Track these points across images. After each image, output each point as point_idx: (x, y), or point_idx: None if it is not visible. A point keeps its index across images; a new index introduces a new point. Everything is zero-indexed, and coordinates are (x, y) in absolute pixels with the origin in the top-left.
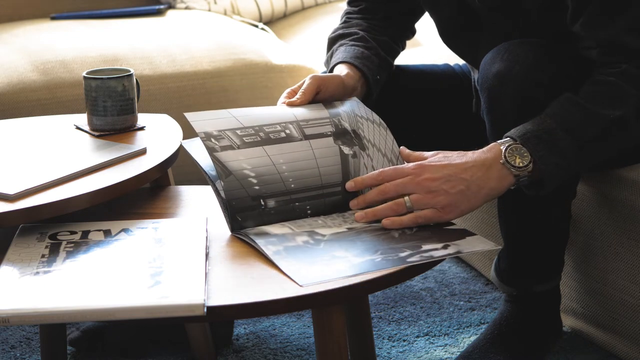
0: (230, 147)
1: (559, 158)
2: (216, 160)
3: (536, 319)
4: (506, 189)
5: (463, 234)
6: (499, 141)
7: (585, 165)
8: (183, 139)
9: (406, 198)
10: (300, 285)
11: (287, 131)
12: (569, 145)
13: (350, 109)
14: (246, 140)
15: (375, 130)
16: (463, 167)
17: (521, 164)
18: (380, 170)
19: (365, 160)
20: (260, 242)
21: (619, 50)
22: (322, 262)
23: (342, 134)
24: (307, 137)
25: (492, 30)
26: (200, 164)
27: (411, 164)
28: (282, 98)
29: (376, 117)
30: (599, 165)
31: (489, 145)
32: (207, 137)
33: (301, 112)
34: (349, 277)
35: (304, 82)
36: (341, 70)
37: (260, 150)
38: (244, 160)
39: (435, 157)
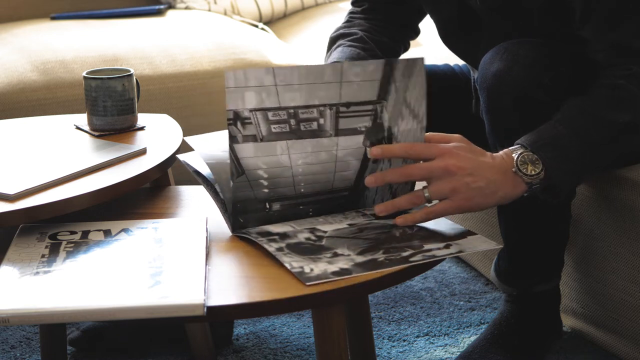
0: (253, 138)
1: (571, 164)
2: (233, 154)
3: (536, 319)
4: (520, 195)
5: (464, 233)
6: (511, 148)
7: (597, 169)
8: (182, 142)
9: (425, 190)
10: (305, 285)
11: (321, 121)
12: (580, 151)
13: (405, 87)
14: (273, 130)
15: (411, 131)
16: (487, 166)
17: (533, 172)
18: (412, 144)
19: (383, 166)
20: (262, 240)
21: (627, 53)
22: (325, 259)
23: (375, 133)
24: (337, 133)
25: (492, 31)
26: (197, 169)
27: (441, 145)
28: None
29: (422, 111)
30: (610, 167)
31: (504, 151)
32: (234, 119)
33: (350, 87)
34: (353, 277)
35: None
36: None
37: (283, 145)
38: (261, 158)
39: (460, 145)
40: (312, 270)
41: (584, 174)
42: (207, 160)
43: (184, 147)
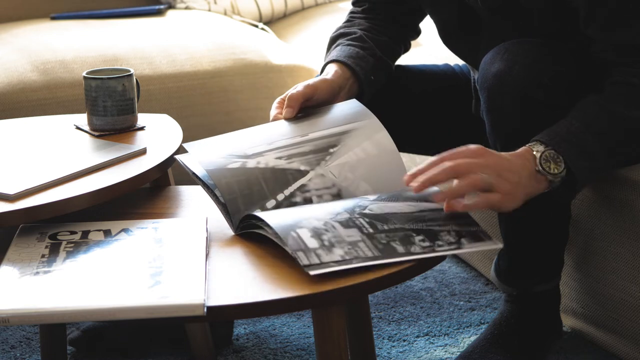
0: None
1: (588, 161)
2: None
3: (536, 318)
4: (541, 192)
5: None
6: (530, 146)
7: (613, 166)
8: (183, 141)
9: (485, 176)
10: (303, 267)
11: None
12: (597, 148)
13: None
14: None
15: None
16: (514, 163)
17: (556, 171)
18: (439, 156)
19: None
20: (262, 215)
21: (634, 52)
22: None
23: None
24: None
25: (493, 31)
26: (197, 174)
27: (471, 146)
28: (274, 109)
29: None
30: (624, 165)
31: (521, 151)
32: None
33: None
34: (352, 276)
35: (294, 88)
36: (331, 68)
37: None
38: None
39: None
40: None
41: (601, 171)
42: (207, 167)
43: (183, 149)
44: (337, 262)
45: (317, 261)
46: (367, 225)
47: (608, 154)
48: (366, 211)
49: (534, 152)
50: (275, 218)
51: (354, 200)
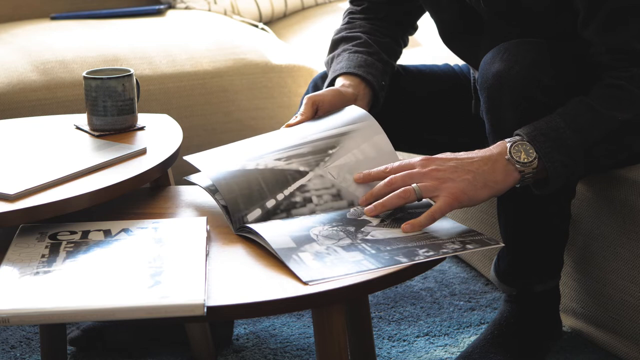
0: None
1: (565, 157)
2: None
3: (536, 318)
4: (512, 184)
5: (468, 232)
6: (506, 139)
7: (593, 166)
8: (182, 141)
9: (414, 185)
10: (305, 283)
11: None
12: (576, 145)
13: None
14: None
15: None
16: (469, 161)
17: (526, 160)
18: (387, 165)
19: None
20: (263, 233)
21: (629, 55)
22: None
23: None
24: None
25: (494, 32)
26: (202, 185)
27: (417, 158)
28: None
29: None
30: (606, 167)
31: (496, 143)
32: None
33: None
34: (352, 275)
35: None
36: (342, 81)
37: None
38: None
39: (441, 154)
40: (312, 270)
41: (579, 170)
42: (216, 181)
43: (184, 149)
44: (340, 276)
45: (318, 277)
46: (369, 249)
47: (586, 152)
48: (368, 237)
49: (507, 143)
50: (275, 239)
51: (356, 211)
